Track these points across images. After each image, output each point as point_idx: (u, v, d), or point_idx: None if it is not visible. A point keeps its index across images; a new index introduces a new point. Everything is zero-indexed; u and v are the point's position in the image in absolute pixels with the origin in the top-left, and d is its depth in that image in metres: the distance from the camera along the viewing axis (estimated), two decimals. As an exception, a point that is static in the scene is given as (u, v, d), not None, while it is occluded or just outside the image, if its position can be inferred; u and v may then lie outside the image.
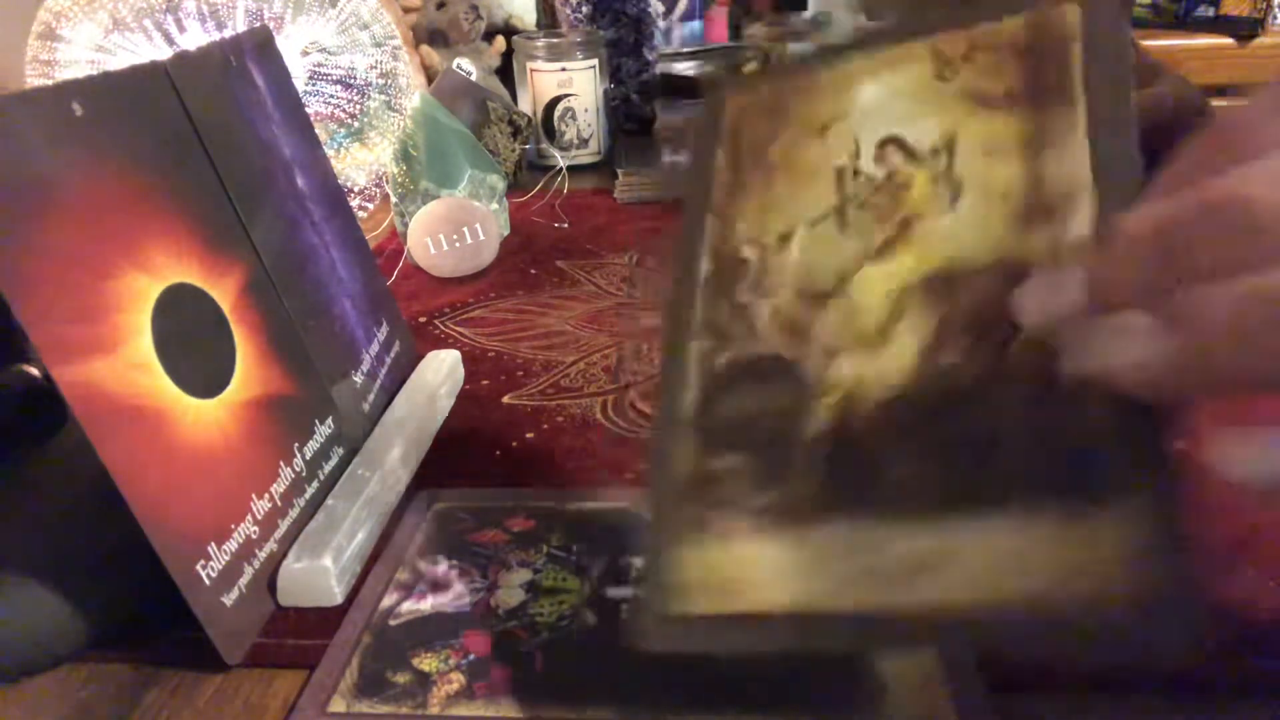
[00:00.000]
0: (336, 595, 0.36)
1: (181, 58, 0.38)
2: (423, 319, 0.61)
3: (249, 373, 0.37)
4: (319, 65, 0.77)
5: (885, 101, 0.28)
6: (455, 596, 0.35)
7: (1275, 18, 1.59)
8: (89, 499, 0.35)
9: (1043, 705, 0.30)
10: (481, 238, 0.66)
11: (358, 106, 0.79)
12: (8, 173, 0.28)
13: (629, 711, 0.30)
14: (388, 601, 0.35)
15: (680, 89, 1.08)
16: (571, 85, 0.90)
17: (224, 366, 0.36)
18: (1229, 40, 1.60)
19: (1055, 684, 0.31)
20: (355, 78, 0.79)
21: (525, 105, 0.93)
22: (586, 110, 0.92)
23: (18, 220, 0.28)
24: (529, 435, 0.47)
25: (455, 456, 0.46)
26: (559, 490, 0.42)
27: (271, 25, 0.72)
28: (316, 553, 0.36)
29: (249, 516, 0.35)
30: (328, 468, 0.41)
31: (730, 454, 0.27)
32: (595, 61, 0.91)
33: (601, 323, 0.59)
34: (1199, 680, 0.30)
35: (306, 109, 0.49)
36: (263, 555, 0.36)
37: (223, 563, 0.33)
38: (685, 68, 1.17)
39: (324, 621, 0.35)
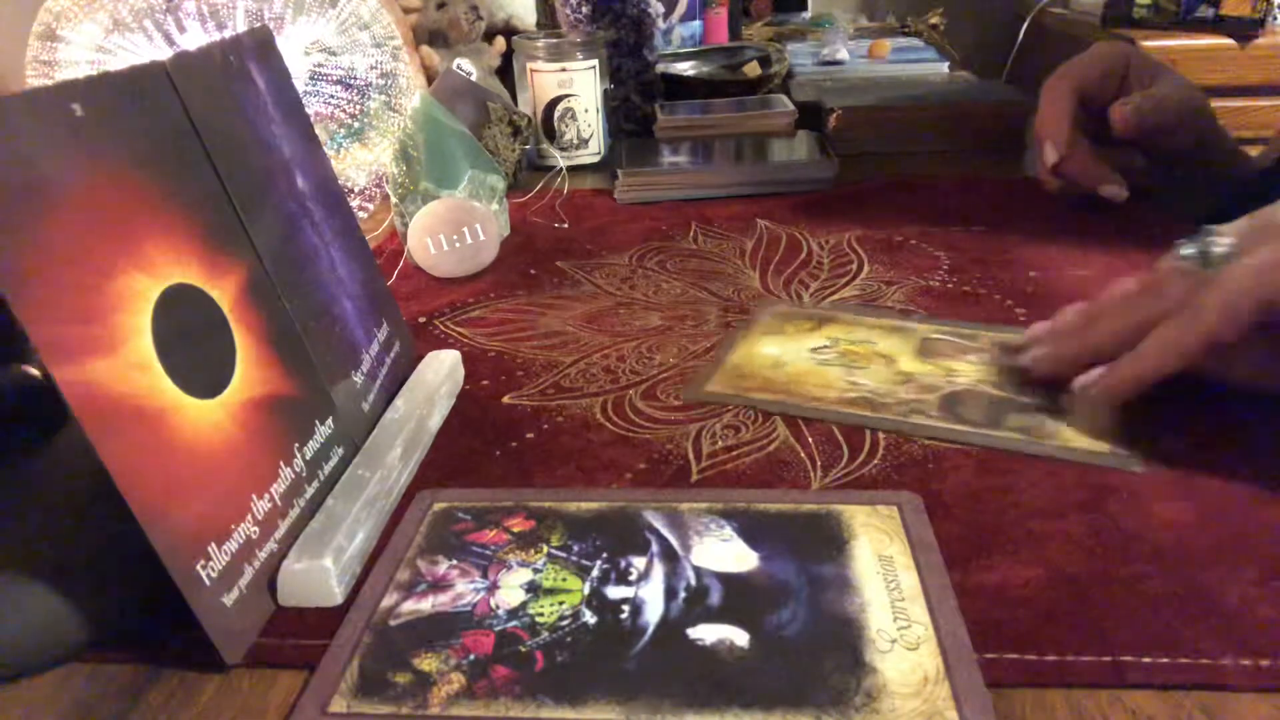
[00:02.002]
0: (337, 595, 0.36)
1: (181, 58, 0.38)
2: (423, 319, 0.61)
3: (249, 373, 0.37)
4: (319, 65, 0.78)
5: None
6: (455, 596, 0.36)
7: (1275, 18, 1.59)
8: (89, 499, 0.35)
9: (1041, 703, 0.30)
10: (481, 238, 0.66)
11: (358, 107, 0.79)
12: (8, 173, 0.28)
13: (629, 711, 0.30)
14: (388, 602, 0.35)
15: (680, 90, 1.08)
16: (571, 85, 0.90)
17: (224, 366, 0.36)
18: (1229, 40, 1.60)
19: (1054, 682, 0.31)
20: (355, 78, 0.79)
21: (525, 105, 0.93)
22: (586, 111, 0.92)
23: (18, 220, 0.28)
24: (529, 435, 0.47)
25: (455, 456, 0.46)
26: (559, 490, 0.42)
27: (272, 25, 0.72)
28: (317, 553, 0.36)
29: (249, 516, 0.35)
30: (328, 468, 0.41)
31: None
32: (595, 62, 0.91)
33: (601, 323, 0.59)
34: None
35: (306, 109, 0.49)
36: (263, 555, 0.36)
37: (223, 563, 0.33)
38: (685, 68, 1.17)
39: (324, 621, 0.35)
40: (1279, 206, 0.43)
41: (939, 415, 0.45)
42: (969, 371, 0.49)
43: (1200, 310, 0.40)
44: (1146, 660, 0.31)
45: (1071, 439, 0.43)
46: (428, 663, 0.32)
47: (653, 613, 0.34)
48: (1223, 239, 0.42)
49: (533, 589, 0.36)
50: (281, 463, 0.38)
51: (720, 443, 0.45)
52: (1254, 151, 0.79)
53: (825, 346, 0.53)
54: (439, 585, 0.36)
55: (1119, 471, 0.41)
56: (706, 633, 0.33)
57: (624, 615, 0.34)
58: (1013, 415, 0.45)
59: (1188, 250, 0.43)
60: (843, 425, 0.45)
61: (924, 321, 0.56)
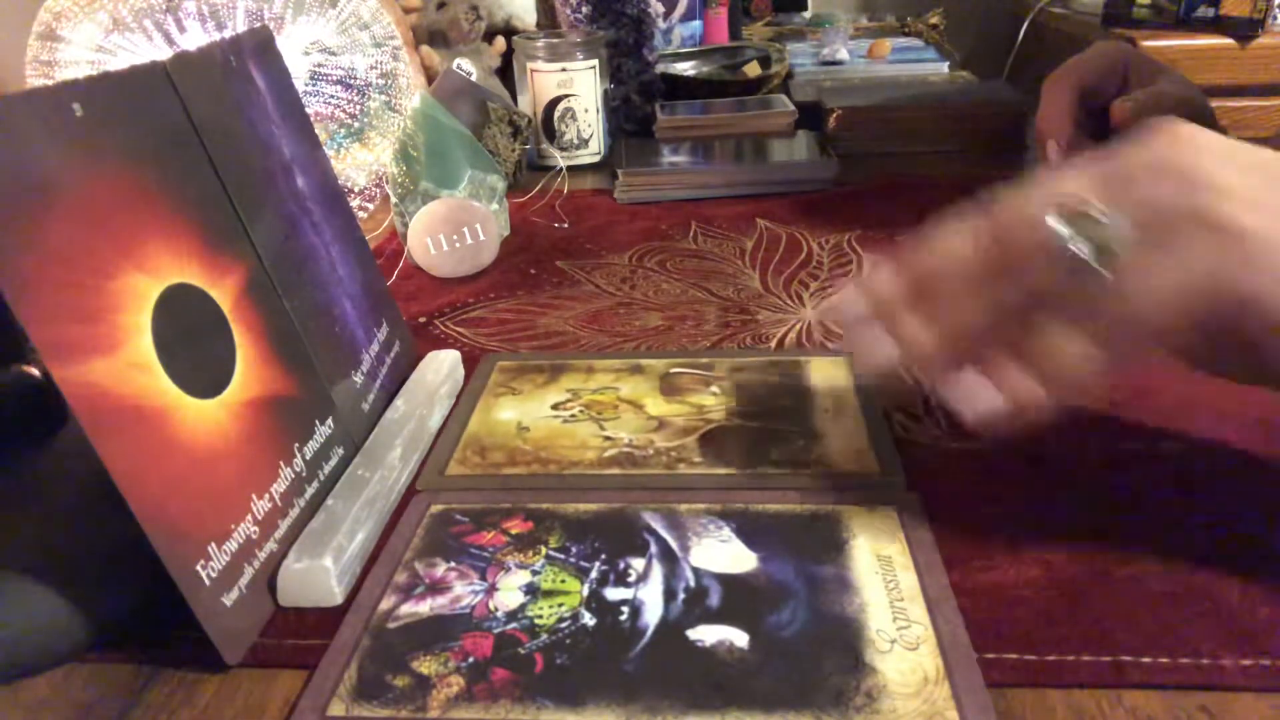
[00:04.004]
0: (336, 596, 0.36)
1: (181, 58, 0.38)
2: (423, 319, 0.61)
3: (249, 373, 0.37)
4: (319, 65, 0.77)
5: None
6: (454, 599, 0.35)
7: (1275, 18, 1.59)
8: (89, 499, 0.35)
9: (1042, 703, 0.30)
10: (481, 238, 0.66)
11: (358, 106, 0.79)
12: (8, 173, 0.28)
13: (629, 713, 0.30)
14: (386, 604, 0.35)
15: (680, 90, 1.08)
16: (571, 85, 0.90)
17: (224, 366, 0.36)
18: (1229, 40, 1.60)
19: (1054, 682, 0.31)
20: (355, 78, 0.79)
21: (525, 105, 0.93)
22: (586, 110, 0.92)
23: (18, 220, 0.28)
24: (529, 435, 0.47)
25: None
26: (557, 492, 0.42)
27: (272, 25, 0.72)
28: (316, 553, 0.36)
29: (249, 516, 0.35)
30: (328, 468, 0.41)
31: None
32: (595, 62, 0.91)
33: (601, 323, 0.59)
34: None
35: (306, 109, 0.49)
36: (263, 555, 0.36)
37: (223, 563, 0.33)
38: (685, 68, 1.17)
39: (324, 622, 0.35)
40: (1158, 145, 0.32)
41: (702, 461, 0.43)
42: (716, 405, 0.48)
43: (1115, 338, 0.31)
44: (1146, 660, 0.31)
45: (838, 463, 0.42)
46: (426, 665, 0.32)
47: (652, 614, 0.34)
48: (1111, 222, 0.31)
49: (531, 591, 0.36)
50: (281, 463, 0.38)
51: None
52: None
53: (567, 401, 0.49)
54: (437, 588, 0.36)
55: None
56: (706, 634, 0.33)
57: (623, 617, 0.34)
58: (774, 447, 0.44)
59: (1064, 230, 0.31)
60: (609, 490, 0.41)
61: (657, 357, 0.53)
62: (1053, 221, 0.31)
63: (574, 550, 0.37)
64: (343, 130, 0.79)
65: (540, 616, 0.34)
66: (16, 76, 0.76)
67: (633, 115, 1.01)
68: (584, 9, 0.98)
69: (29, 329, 0.28)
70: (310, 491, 0.39)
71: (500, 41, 1.11)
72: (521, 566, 0.37)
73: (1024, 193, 0.33)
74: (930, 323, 0.34)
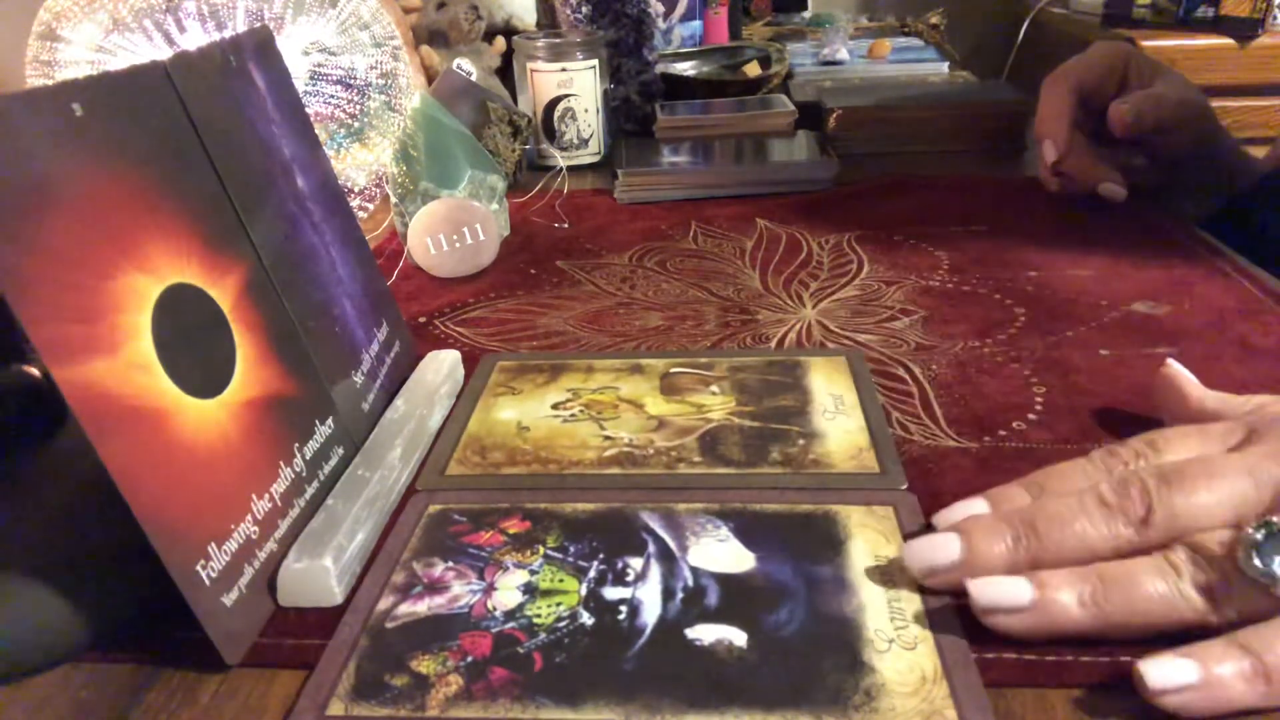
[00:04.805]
0: (337, 595, 0.36)
1: (181, 58, 0.38)
2: (423, 319, 0.61)
3: (249, 373, 0.37)
4: (319, 65, 0.78)
5: None
6: (452, 599, 0.36)
7: (1275, 18, 1.59)
8: (89, 499, 0.36)
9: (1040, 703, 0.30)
10: (481, 238, 0.67)
11: (358, 106, 0.79)
12: (8, 173, 0.28)
13: (628, 712, 0.30)
14: (384, 604, 0.35)
15: (680, 90, 1.08)
16: (571, 85, 0.90)
17: (224, 366, 0.36)
18: (1229, 40, 1.60)
19: (1054, 682, 0.31)
20: (355, 78, 0.79)
21: (525, 105, 0.93)
22: (586, 110, 0.92)
23: (18, 220, 0.28)
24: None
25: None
26: (555, 491, 0.42)
27: (272, 25, 0.72)
28: (317, 553, 0.36)
29: (249, 516, 0.35)
30: (328, 468, 0.41)
31: None
32: (595, 62, 0.91)
33: (601, 323, 0.59)
34: None
35: (306, 109, 0.49)
36: (263, 555, 0.36)
37: (223, 563, 0.33)
38: (685, 68, 1.17)
39: (324, 622, 0.35)
40: None
41: (702, 460, 0.43)
42: (717, 404, 0.48)
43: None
44: (1144, 661, 0.31)
45: (837, 462, 0.42)
46: (425, 665, 0.32)
47: (650, 613, 0.34)
48: None
49: (529, 590, 0.36)
50: (281, 462, 0.38)
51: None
52: (1255, 151, 0.79)
53: (567, 400, 0.49)
54: (435, 587, 0.36)
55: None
56: (704, 633, 0.33)
57: (621, 616, 0.34)
58: (774, 447, 0.44)
59: (1273, 569, 0.30)
60: (607, 490, 0.42)
61: (657, 357, 0.53)
62: (1259, 562, 0.30)
63: (572, 550, 0.38)
64: (343, 130, 0.79)
65: (538, 616, 0.34)
66: (16, 76, 0.76)
67: (633, 115, 1.01)
68: (584, 9, 0.98)
69: (29, 329, 0.28)
70: (310, 491, 0.39)
71: (500, 41, 1.11)
72: (519, 566, 0.37)
73: (1186, 474, 0.33)
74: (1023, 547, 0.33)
